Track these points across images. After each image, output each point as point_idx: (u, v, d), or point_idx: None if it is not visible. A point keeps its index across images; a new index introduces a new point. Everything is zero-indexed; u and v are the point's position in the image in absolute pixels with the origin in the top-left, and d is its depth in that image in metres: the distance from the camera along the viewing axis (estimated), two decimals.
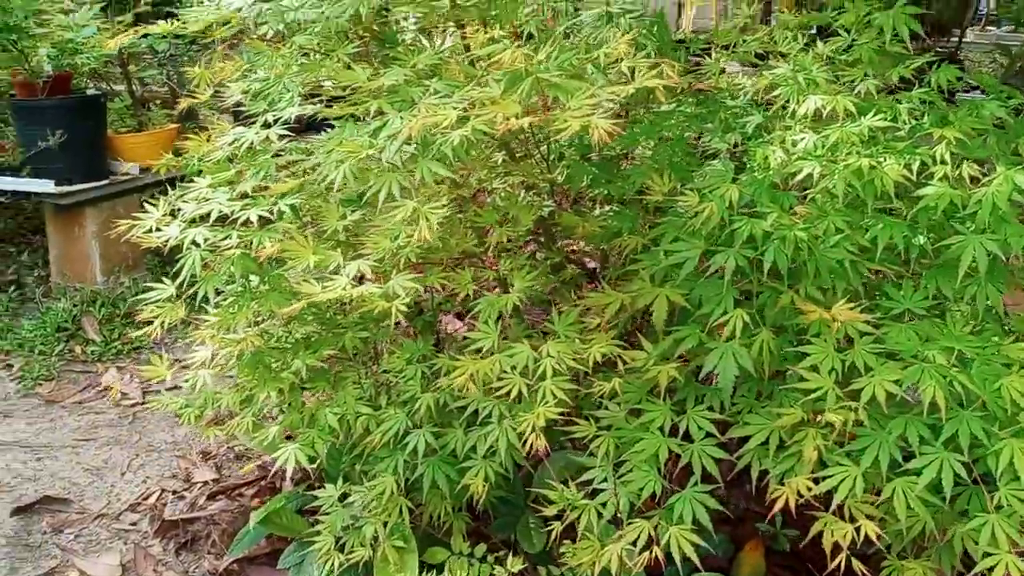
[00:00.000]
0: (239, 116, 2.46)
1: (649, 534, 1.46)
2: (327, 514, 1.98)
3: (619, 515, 1.56)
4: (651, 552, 1.44)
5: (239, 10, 1.68)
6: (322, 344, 2.01)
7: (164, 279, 2.03)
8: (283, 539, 2.30)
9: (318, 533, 1.98)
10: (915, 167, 1.53)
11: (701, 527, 1.47)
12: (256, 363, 1.95)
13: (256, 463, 2.85)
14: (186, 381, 3.28)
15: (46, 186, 3.54)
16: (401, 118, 1.51)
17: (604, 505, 1.55)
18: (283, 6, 1.66)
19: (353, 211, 1.98)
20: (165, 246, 1.93)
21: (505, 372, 1.59)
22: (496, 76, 1.52)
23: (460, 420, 1.86)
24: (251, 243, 1.85)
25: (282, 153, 2.08)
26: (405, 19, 2.11)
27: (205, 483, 2.74)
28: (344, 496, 2.00)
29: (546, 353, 1.58)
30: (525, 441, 1.66)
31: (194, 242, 1.88)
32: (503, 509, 2.11)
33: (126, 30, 4.01)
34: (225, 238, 1.86)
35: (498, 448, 1.74)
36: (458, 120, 1.41)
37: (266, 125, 2.15)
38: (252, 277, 1.92)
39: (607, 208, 2.04)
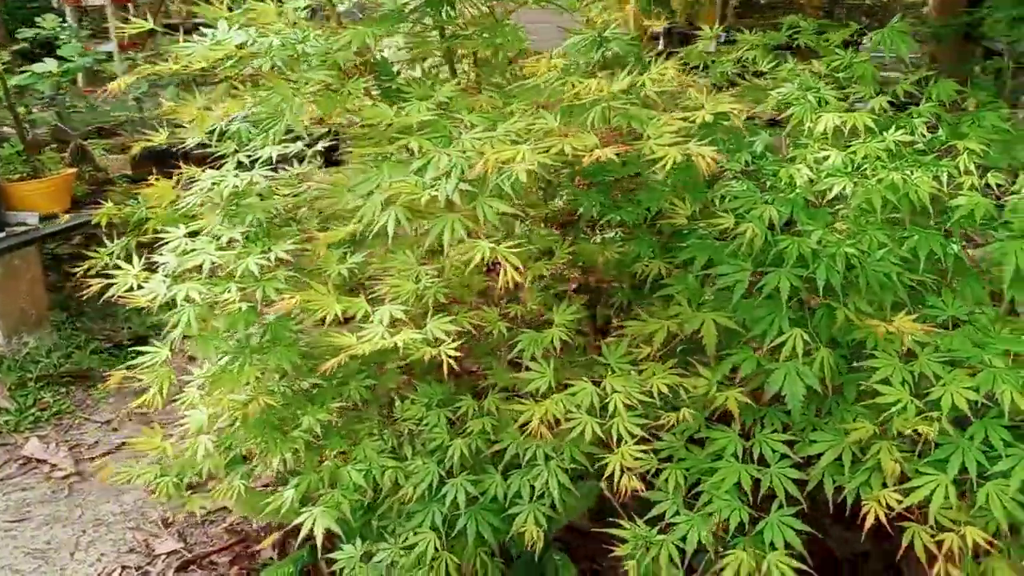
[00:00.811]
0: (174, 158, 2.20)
1: (748, 564, 1.36)
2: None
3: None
4: None
5: (240, 46, 1.46)
6: (327, 397, 1.81)
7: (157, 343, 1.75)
8: None
9: None
10: (944, 178, 1.52)
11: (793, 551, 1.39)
12: (264, 424, 1.71)
13: (222, 526, 2.57)
14: (119, 447, 2.94)
15: None
16: (448, 155, 1.36)
17: (684, 539, 1.44)
18: (289, 39, 1.46)
19: (351, 253, 1.80)
20: (150, 303, 1.67)
21: (571, 411, 1.45)
22: (523, 104, 1.39)
23: (496, 465, 1.72)
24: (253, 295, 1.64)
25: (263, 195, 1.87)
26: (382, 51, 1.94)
27: (170, 554, 2.42)
28: (367, 555, 1.80)
29: (611, 389, 1.46)
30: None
31: (187, 298, 1.64)
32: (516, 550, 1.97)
33: (7, 69, 3.59)
34: (224, 291, 1.63)
35: (548, 490, 1.61)
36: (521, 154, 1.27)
37: (239, 166, 1.93)
38: (251, 332, 1.70)
39: (611, 235, 1.94)
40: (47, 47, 4.68)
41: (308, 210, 2.06)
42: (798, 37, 2.11)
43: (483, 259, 1.25)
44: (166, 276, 1.69)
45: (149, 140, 2.00)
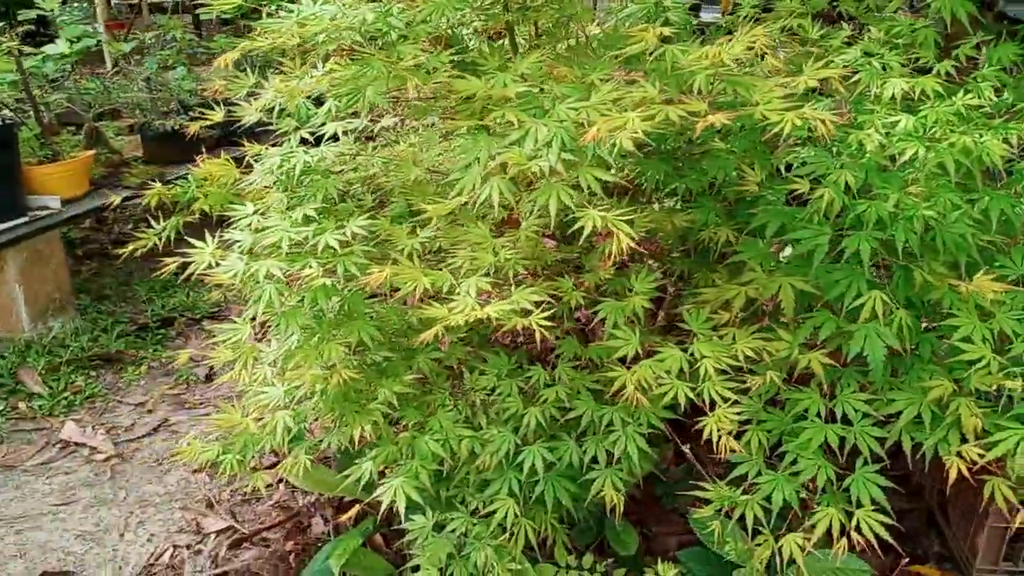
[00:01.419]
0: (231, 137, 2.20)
1: (837, 520, 1.40)
2: (425, 545, 1.80)
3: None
4: (844, 539, 1.38)
5: (333, 19, 1.45)
6: (398, 369, 1.83)
7: (237, 320, 1.76)
8: None
9: (416, 567, 1.80)
10: (1013, 141, 1.56)
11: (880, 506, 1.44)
12: (342, 397, 1.73)
13: (269, 504, 2.59)
14: (157, 428, 2.95)
15: None
16: (545, 126, 1.37)
17: (769, 498, 1.48)
18: (380, 13, 1.46)
19: (420, 228, 1.82)
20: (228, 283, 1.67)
21: (661, 377, 1.48)
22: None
23: (570, 432, 1.75)
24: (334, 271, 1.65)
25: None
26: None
27: (221, 532, 2.44)
28: (439, 525, 1.83)
29: (699, 354, 1.50)
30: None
31: (268, 275, 1.64)
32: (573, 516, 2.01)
33: (19, 52, 3.54)
34: (305, 267, 1.64)
35: (628, 455, 1.64)
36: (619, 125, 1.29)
37: (303, 142, 1.93)
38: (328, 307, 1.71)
39: (670, 203, 1.96)
40: (38, 28, 4.62)
41: (361, 186, 2.07)
42: (839, 4, 2.13)
43: (594, 228, 1.27)
44: (242, 254, 1.70)
45: (206, 119, 1.99)
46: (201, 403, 3.10)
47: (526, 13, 1.78)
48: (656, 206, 2.00)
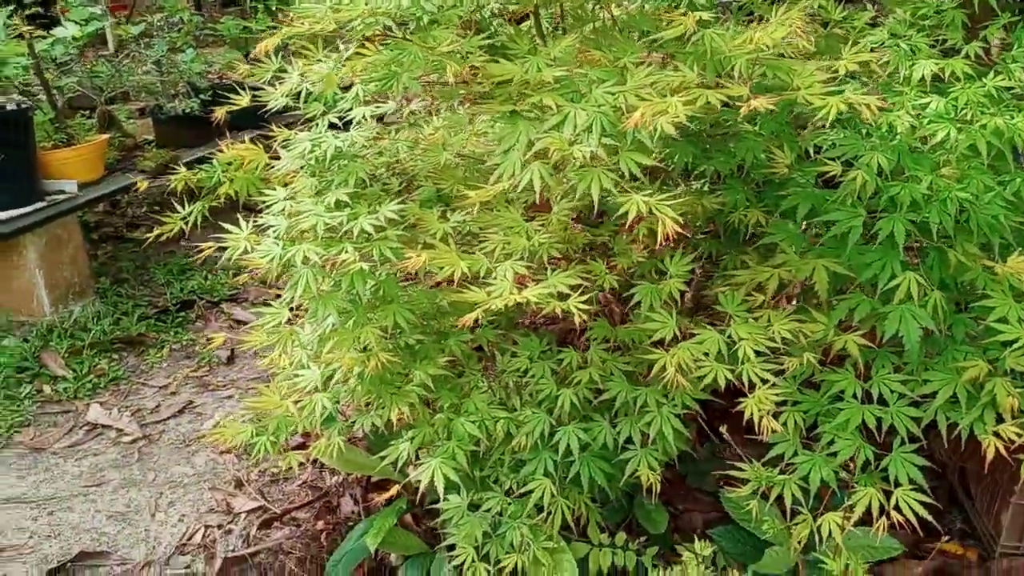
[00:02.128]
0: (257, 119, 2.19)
1: (877, 499, 1.42)
2: (460, 524, 1.83)
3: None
4: (884, 517, 1.40)
5: (367, 3, 1.45)
6: (431, 352, 1.84)
7: (273, 303, 1.77)
8: (386, 557, 2.11)
9: (451, 546, 1.82)
10: None
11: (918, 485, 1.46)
12: (379, 380, 1.74)
13: (296, 484, 2.61)
14: (182, 410, 2.96)
15: None
16: (583, 110, 1.37)
17: (806, 478, 1.50)
18: None
19: (451, 212, 1.82)
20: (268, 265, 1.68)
21: (700, 359, 1.50)
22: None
23: (603, 413, 1.77)
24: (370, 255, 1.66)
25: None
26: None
27: (251, 512, 2.47)
28: (473, 505, 1.85)
29: (737, 336, 1.51)
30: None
31: (304, 259, 1.65)
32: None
33: (30, 35, 3.51)
34: (341, 252, 1.64)
35: (663, 435, 1.66)
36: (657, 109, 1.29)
37: (332, 127, 1.93)
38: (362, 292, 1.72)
39: (697, 185, 1.96)
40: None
41: (387, 170, 2.07)
42: None
43: (638, 212, 1.28)
44: (277, 238, 1.70)
45: (233, 104, 1.98)
46: (224, 385, 3.11)
47: None
48: (683, 187, 2.00)
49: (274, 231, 1.72)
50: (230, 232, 1.74)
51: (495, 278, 1.56)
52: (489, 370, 1.89)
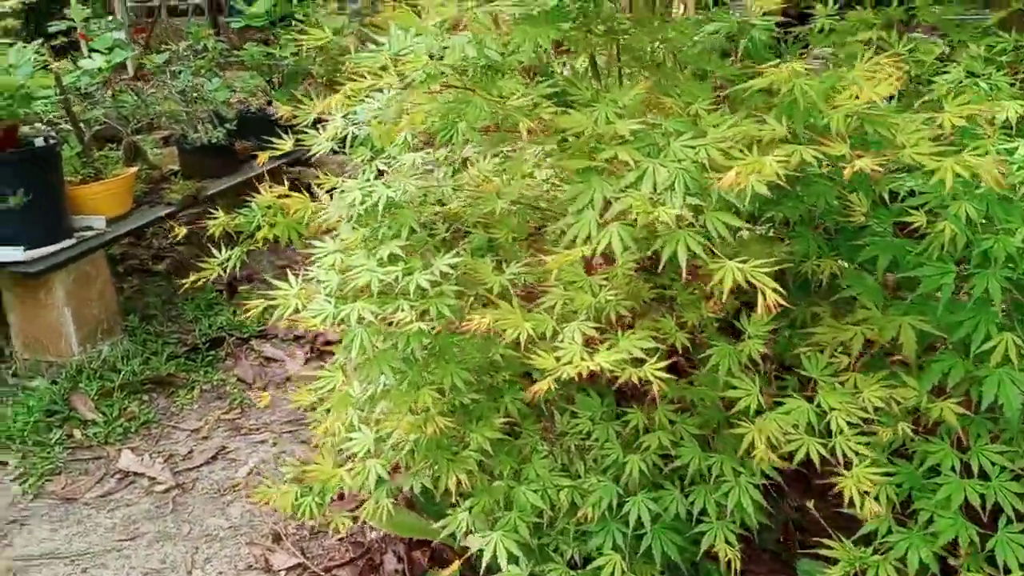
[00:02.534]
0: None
1: None
2: None
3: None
4: None
5: (432, 55, 1.36)
6: (487, 412, 1.74)
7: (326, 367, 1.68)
8: None
9: None
10: None
11: None
12: (435, 444, 1.65)
13: (335, 539, 2.51)
14: (215, 456, 2.87)
15: (12, 254, 2.97)
16: (663, 166, 1.28)
17: (904, 559, 1.38)
18: (480, 45, 1.37)
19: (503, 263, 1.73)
20: (318, 328, 1.59)
21: (789, 432, 1.39)
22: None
23: (673, 480, 1.66)
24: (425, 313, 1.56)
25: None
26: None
27: (291, 569, 2.37)
28: None
29: (827, 406, 1.40)
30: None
31: (359, 319, 1.56)
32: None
33: (57, 67, 3.45)
34: (397, 310, 1.55)
35: (741, 507, 1.55)
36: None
37: (379, 173, 1.84)
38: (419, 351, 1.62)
39: (761, 230, 1.86)
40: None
41: (433, 216, 1.98)
42: (916, 14, 2.03)
43: (734, 282, 1.17)
44: (328, 295, 1.61)
45: (276, 149, 1.90)
46: (258, 428, 3.02)
47: (614, 37, 1.68)
48: (745, 234, 1.90)
49: (325, 287, 1.63)
50: (277, 287, 1.66)
51: (562, 340, 1.46)
52: (548, 431, 1.78)
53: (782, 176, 1.13)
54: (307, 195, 1.85)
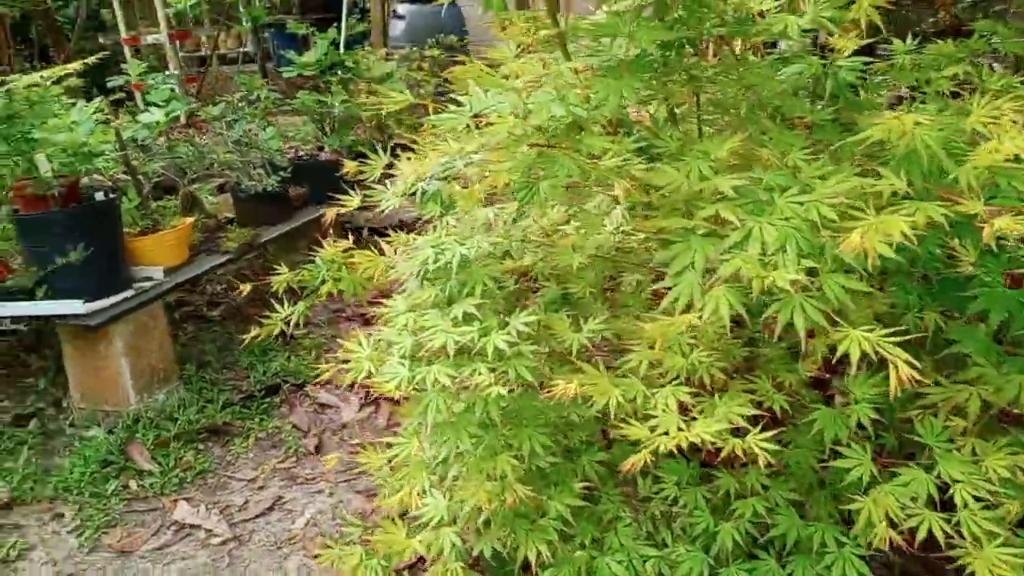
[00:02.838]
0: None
1: None
2: None
3: None
4: None
5: (516, 115, 1.27)
6: (565, 476, 1.63)
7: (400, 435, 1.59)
8: None
9: None
10: None
11: None
12: (513, 513, 1.54)
13: None
14: (271, 507, 2.79)
15: (73, 307, 2.95)
16: (772, 225, 1.17)
17: None
18: (567, 102, 1.28)
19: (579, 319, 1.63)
20: (396, 391, 1.50)
21: (907, 506, 1.26)
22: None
23: (768, 549, 1.53)
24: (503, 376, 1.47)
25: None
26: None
27: None
28: None
29: (949, 477, 1.27)
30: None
31: (435, 382, 1.47)
32: None
33: (117, 123, 3.46)
34: (474, 373, 1.46)
35: None
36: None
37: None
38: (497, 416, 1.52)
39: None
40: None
41: (505, 272, 1.89)
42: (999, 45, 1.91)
43: (861, 352, 1.06)
44: (402, 358, 1.52)
45: (343, 206, 1.84)
46: (314, 478, 2.94)
47: (698, 84, 1.59)
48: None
49: (399, 350, 1.54)
50: (351, 351, 1.57)
51: (654, 406, 1.35)
52: (630, 496, 1.67)
53: (912, 237, 1.02)
54: (375, 251, 1.77)
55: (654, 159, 1.36)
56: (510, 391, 1.45)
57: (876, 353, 1.05)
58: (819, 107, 1.62)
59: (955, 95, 1.89)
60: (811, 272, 1.12)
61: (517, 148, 1.26)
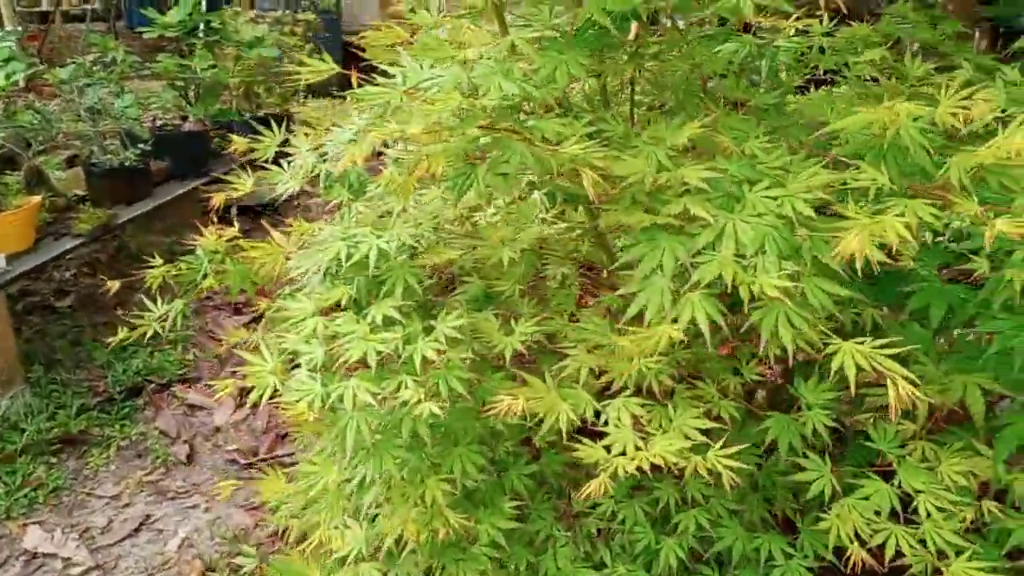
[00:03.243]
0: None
1: None
2: None
3: None
4: None
5: (464, 93, 1.09)
6: (494, 495, 1.48)
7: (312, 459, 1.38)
8: None
9: None
10: None
11: None
12: (443, 544, 1.37)
13: None
14: (137, 529, 2.48)
15: None
16: (746, 222, 1.06)
17: None
18: (516, 79, 1.11)
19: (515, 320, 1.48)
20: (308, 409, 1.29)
21: (872, 519, 1.19)
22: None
23: (709, 563, 1.44)
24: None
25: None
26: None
27: None
28: None
29: (910, 487, 1.21)
30: None
31: (354, 400, 1.27)
32: None
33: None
34: (400, 387, 1.27)
35: None
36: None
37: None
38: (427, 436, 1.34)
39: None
40: None
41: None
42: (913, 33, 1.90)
43: (856, 367, 0.96)
44: (311, 371, 1.31)
45: (235, 189, 1.59)
46: (186, 491, 2.64)
47: (641, 61, 1.46)
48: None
49: (310, 361, 1.33)
50: (250, 363, 1.35)
51: (606, 422, 1.22)
52: (567, 511, 1.53)
53: (909, 240, 0.93)
54: (276, 246, 1.54)
55: (606, 145, 1.22)
56: (441, 406, 1.27)
57: (873, 368, 0.96)
58: (761, 90, 1.52)
59: (874, 80, 1.85)
60: (790, 276, 1.01)
61: (465, 129, 1.08)
